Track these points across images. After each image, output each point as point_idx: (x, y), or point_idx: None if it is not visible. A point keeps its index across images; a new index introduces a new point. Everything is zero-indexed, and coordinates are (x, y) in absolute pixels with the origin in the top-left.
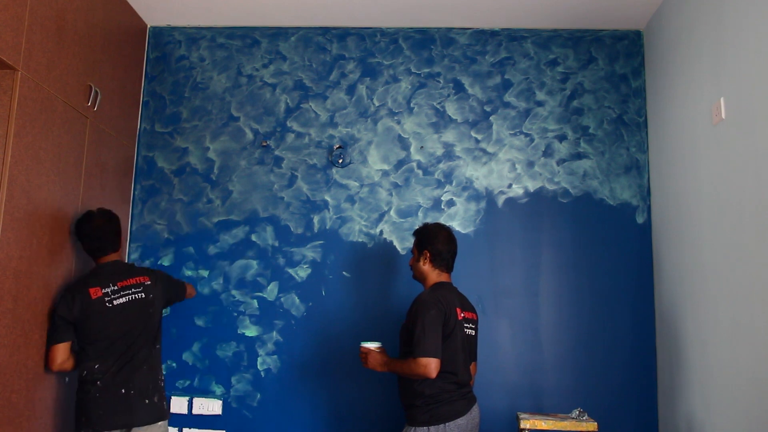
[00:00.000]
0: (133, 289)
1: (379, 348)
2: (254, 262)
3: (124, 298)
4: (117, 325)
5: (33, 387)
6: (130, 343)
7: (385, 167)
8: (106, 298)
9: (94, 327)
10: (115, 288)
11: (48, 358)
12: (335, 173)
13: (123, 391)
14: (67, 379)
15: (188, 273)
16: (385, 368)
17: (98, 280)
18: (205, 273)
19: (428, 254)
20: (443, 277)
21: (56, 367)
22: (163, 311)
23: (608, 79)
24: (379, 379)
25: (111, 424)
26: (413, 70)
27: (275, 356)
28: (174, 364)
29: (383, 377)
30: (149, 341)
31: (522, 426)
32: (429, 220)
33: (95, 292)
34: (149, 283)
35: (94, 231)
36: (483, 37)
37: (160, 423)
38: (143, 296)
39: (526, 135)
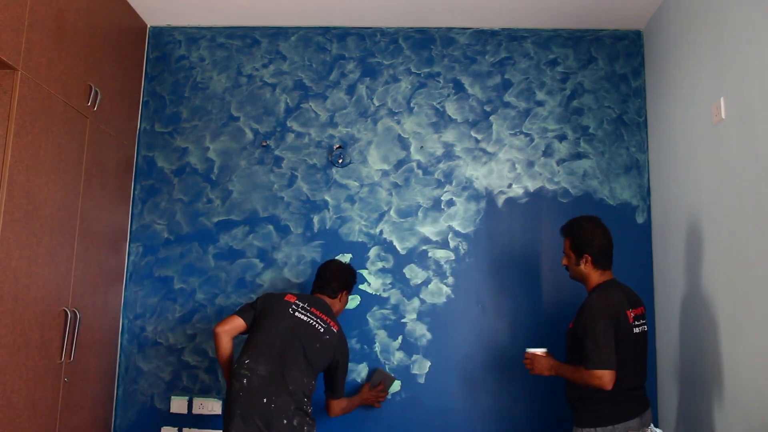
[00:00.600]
0: (320, 321)
1: (544, 353)
2: (254, 262)
3: (305, 317)
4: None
5: (33, 387)
6: (283, 360)
7: (385, 167)
8: (293, 306)
9: (266, 323)
10: (305, 306)
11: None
12: (335, 173)
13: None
14: (66, 379)
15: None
16: (553, 372)
17: (300, 296)
18: (204, 273)
19: (589, 257)
20: (606, 276)
21: (219, 329)
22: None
23: (608, 79)
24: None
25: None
26: (413, 70)
27: None
28: (175, 364)
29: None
30: (301, 370)
31: None
32: (429, 220)
33: (290, 297)
34: (336, 331)
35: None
36: (483, 37)
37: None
38: (321, 330)
39: (526, 135)
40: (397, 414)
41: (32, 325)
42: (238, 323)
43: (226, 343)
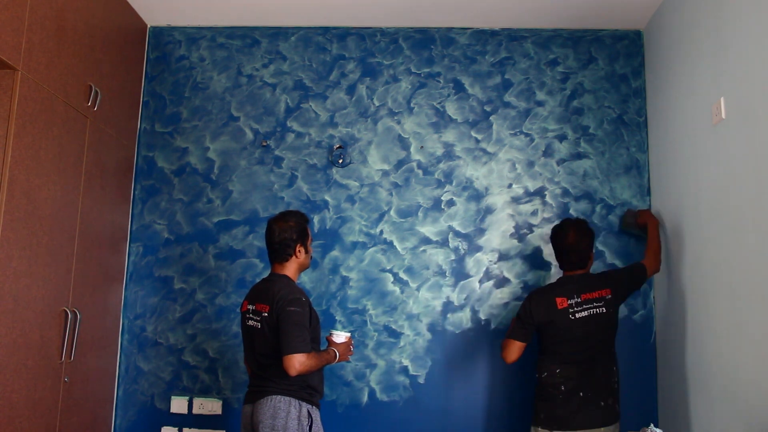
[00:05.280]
0: (595, 303)
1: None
2: (254, 262)
3: (586, 312)
4: (579, 336)
5: (33, 387)
6: (590, 353)
7: (385, 167)
8: (570, 310)
9: (557, 335)
10: (579, 300)
11: (504, 350)
12: (335, 173)
13: (581, 394)
14: (66, 379)
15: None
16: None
17: (564, 290)
18: (204, 273)
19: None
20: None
21: (510, 361)
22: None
23: (608, 79)
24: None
25: (572, 425)
26: (413, 70)
27: None
28: (174, 364)
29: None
30: (606, 351)
31: None
32: (429, 220)
33: (561, 302)
34: (610, 297)
35: (568, 246)
36: (483, 37)
37: (612, 426)
38: (604, 311)
39: (526, 135)
40: (397, 414)
41: (32, 325)
42: None
43: None
